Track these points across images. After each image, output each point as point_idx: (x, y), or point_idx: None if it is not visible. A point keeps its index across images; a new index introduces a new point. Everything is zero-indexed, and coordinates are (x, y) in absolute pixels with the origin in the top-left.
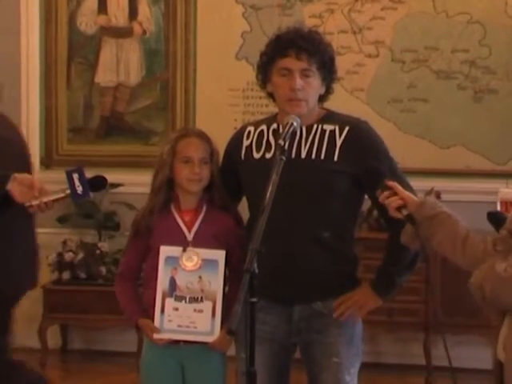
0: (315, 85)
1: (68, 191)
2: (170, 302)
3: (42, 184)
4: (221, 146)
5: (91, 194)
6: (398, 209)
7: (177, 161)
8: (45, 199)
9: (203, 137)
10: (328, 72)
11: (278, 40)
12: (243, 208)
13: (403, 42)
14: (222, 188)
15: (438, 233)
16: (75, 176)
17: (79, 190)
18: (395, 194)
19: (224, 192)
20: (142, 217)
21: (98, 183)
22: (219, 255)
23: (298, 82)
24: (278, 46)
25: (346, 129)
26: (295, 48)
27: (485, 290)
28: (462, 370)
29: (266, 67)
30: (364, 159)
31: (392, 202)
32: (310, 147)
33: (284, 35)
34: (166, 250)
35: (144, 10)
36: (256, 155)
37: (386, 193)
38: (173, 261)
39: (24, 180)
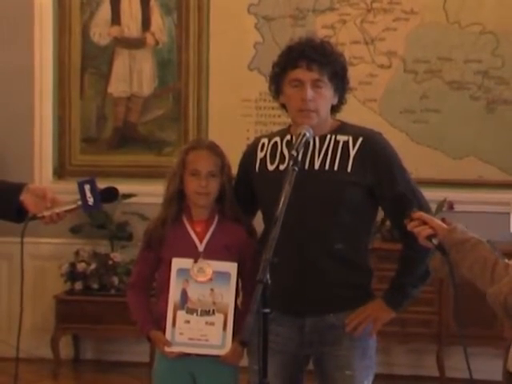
0: (327, 95)
1: (79, 202)
2: (181, 315)
3: (55, 195)
4: (233, 156)
5: (103, 206)
6: (428, 238)
7: (186, 173)
8: (57, 210)
9: (214, 149)
10: (340, 82)
11: (289, 51)
12: (258, 221)
13: (416, 53)
14: (233, 200)
15: (469, 258)
16: (87, 187)
17: (90, 201)
18: (424, 222)
19: (236, 204)
20: (155, 227)
21: (110, 195)
22: (231, 267)
23: (309, 92)
24: (289, 57)
25: (360, 140)
26: (306, 59)
27: (510, 305)
28: (475, 382)
29: (277, 78)
30: (377, 171)
31: (422, 232)
32: (323, 158)
33: (295, 46)
34: (177, 262)
35: (157, 20)
36: (270, 167)
37: (415, 222)
38: (184, 273)
39: (37, 190)
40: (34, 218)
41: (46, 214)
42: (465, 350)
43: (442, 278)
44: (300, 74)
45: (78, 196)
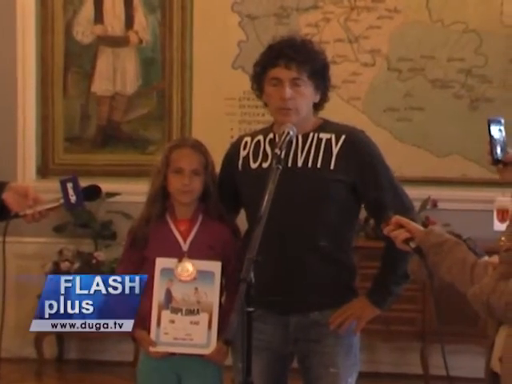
0: (306, 94)
1: (62, 200)
2: (166, 315)
3: (37, 193)
4: (217, 154)
5: (85, 204)
6: (406, 241)
7: (170, 171)
8: (39, 208)
9: (198, 148)
10: (321, 80)
11: (269, 50)
12: (242, 220)
13: (399, 51)
14: (217, 199)
15: (447, 260)
16: (69, 185)
17: (73, 199)
18: (401, 226)
19: (219, 203)
20: (139, 226)
21: (92, 192)
22: (215, 267)
23: (288, 91)
24: (268, 56)
25: (343, 137)
26: (284, 58)
27: (492, 304)
28: (459, 379)
29: (259, 77)
30: (360, 169)
31: (399, 236)
32: (306, 156)
33: (275, 45)
34: (161, 262)
35: (140, 19)
36: (253, 165)
37: (392, 226)
38: (168, 272)
39: (19, 189)
40: (16, 216)
41: (29, 212)
42: (442, 350)
43: (421, 280)
44: (278, 72)
45: (61, 195)
